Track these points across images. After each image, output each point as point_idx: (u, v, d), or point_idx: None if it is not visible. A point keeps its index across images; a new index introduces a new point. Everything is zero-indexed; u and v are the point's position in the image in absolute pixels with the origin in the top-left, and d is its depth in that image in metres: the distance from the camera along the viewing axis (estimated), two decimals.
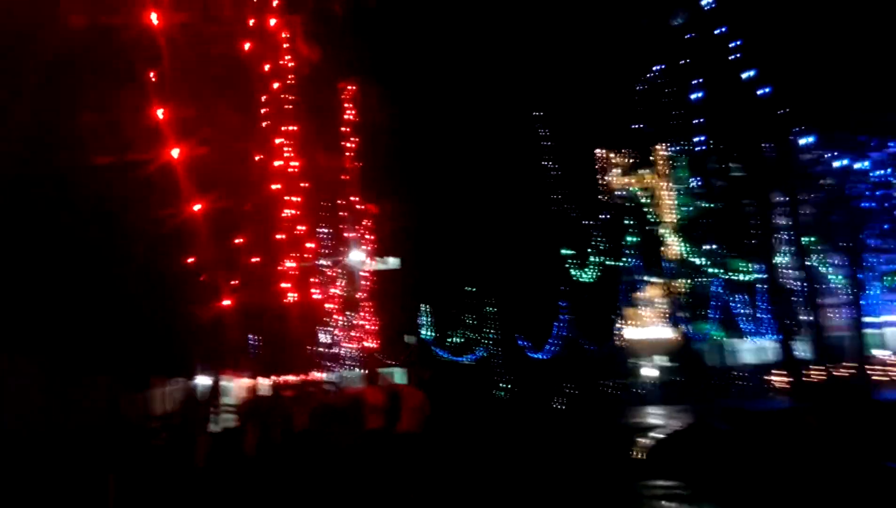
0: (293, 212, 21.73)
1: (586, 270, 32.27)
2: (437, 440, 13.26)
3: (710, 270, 32.37)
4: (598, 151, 39.94)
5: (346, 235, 24.80)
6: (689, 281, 33.87)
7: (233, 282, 21.54)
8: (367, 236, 25.34)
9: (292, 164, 19.91)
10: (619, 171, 37.61)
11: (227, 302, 19.90)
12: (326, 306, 25.32)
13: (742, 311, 32.96)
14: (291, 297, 23.65)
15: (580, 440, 16.22)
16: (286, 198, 18.08)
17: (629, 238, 33.30)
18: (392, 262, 40.04)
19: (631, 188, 36.43)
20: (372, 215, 24.84)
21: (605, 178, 38.14)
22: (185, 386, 18.38)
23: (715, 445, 15.02)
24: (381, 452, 10.86)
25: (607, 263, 32.82)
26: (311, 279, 26.19)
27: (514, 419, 21.31)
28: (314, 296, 24.90)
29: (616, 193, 36.44)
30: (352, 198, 24.06)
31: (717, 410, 19.17)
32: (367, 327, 30.58)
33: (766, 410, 18.63)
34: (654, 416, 21.98)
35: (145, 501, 10.18)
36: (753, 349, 38.57)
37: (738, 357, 40.23)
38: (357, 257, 26.00)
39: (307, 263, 24.87)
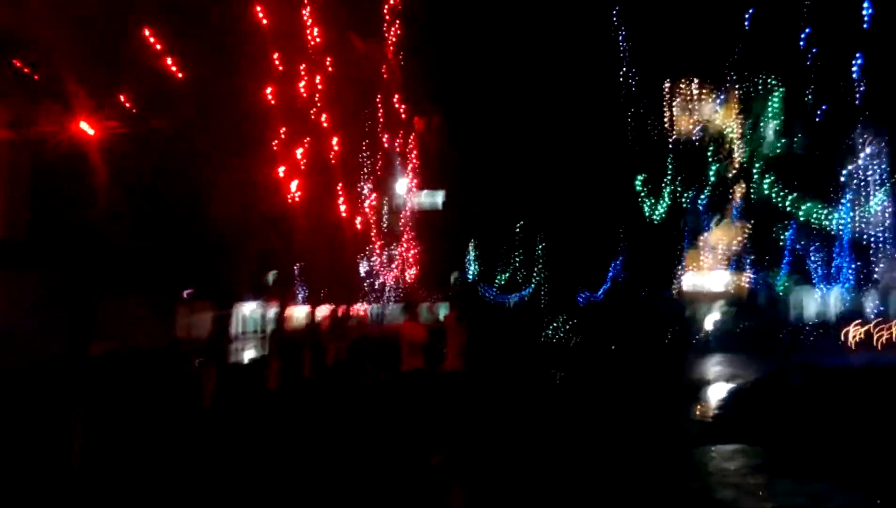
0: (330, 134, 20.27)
1: (652, 207, 30.01)
2: (483, 381, 11.90)
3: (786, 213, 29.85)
4: (669, 81, 37.08)
5: (391, 158, 23.16)
6: (759, 225, 31.41)
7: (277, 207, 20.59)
8: (413, 161, 23.58)
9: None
10: (692, 102, 34.81)
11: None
12: (370, 233, 24.04)
13: (816, 260, 30.50)
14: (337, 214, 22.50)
15: (636, 393, 14.63)
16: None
17: (702, 174, 30.89)
18: (439, 196, 38.50)
19: (703, 123, 33.72)
20: (419, 135, 22.98)
21: (676, 109, 35.38)
22: (217, 313, 18.02)
23: (790, 405, 13.34)
24: (418, 394, 9.57)
25: (669, 202, 30.46)
26: (356, 204, 24.90)
27: (564, 365, 19.84)
28: (357, 220, 23.63)
29: (686, 126, 33.80)
30: (399, 111, 22.29)
31: (789, 365, 17.42)
32: (411, 258, 29.28)
33: (845, 368, 16.81)
34: (717, 367, 20.28)
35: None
36: (821, 301, 36.20)
37: (806, 309, 37.94)
38: (403, 183, 24.47)
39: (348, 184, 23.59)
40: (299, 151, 16.41)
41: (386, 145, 20.91)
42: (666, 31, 31.58)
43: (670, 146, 32.00)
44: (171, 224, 17.01)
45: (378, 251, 26.60)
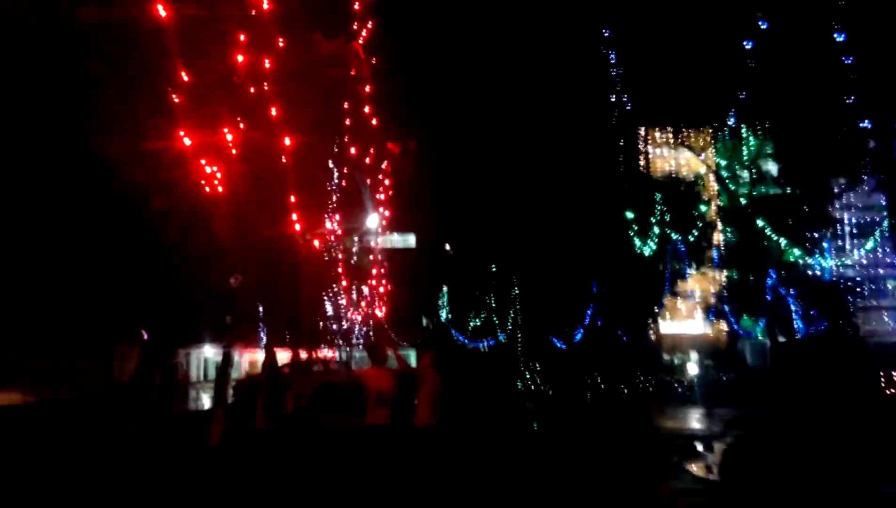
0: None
1: (633, 249, 29.13)
2: (458, 440, 10.51)
3: (764, 262, 29.17)
4: (643, 128, 36.90)
5: (361, 182, 21.85)
6: (738, 273, 30.72)
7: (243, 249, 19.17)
8: (384, 189, 22.22)
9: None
10: (669, 150, 34.54)
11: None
12: (337, 269, 22.65)
13: (795, 309, 29.80)
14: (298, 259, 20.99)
15: (614, 450, 13.28)
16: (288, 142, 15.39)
17: (675, 222, 30.20)
18: (411, 240, 37.41)
19: (681, 170, 33.33)
20: (391, 160, 21.71)
21: (651, 157, 35.10)
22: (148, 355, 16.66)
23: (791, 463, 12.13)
24: (382, 456, 8.19)
25: (647, 248, 29.63)
26: (323, 246, 23.57)
27: (538, 416, 18.49)
28: (327, 264, 22.29)
29: (663, 173, 33.38)
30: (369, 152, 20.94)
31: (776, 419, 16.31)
32: (380, 300, 27.85)
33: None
34: (699, 420, 19.11)
35: None
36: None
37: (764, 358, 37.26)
38: (373, 218, 23.28)
39: (318, 230, 22.24)
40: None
41: (355, 163, 19.55)
42: (644, 76, 31.32)
43: (649, 190, 31.43)
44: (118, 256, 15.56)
45: (345, 291, 25.18)
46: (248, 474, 9.56)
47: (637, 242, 28.71)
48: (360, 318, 28.61)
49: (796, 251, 27.79)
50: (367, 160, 18.99)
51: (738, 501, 9.19)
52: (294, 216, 15.94)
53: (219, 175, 13.32)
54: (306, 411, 14.80)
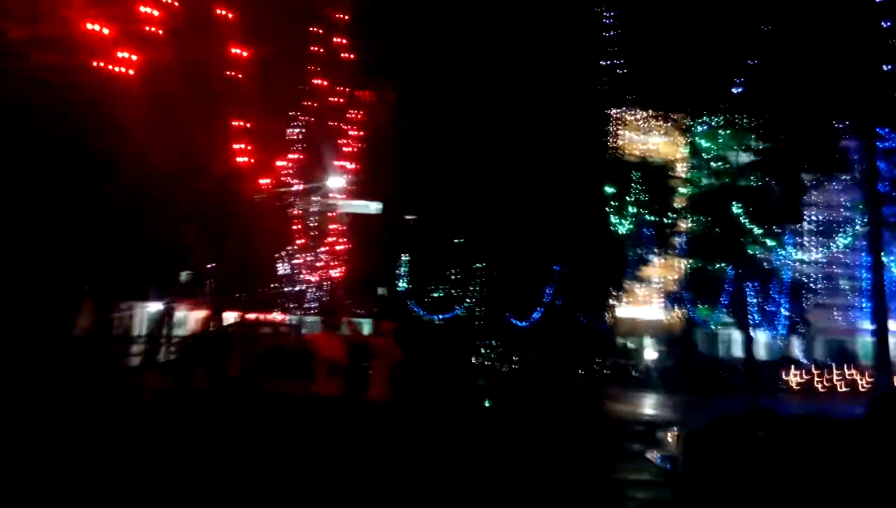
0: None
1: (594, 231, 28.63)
2: (411, 417, 9.78)
3: (727, 253, 29.04)
4: (615, 109, 36.31)
5: (327, 148, 20.62)
6: (700, 262, 30.56)
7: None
8: (350, 157, 20.96)
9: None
10: (640, 133, 34.06)
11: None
12: (296, 237, 21.53)
13: (755, 301, 29.91)
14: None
15: (571, 434, 12.76)
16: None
17: (643, 205, 29.82)
18: (374, 207, 36.31)
19: (651, 155, 32.85)
20: (361, 109, 20.36)
21: (624, 139, 34.54)
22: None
23: (754, 457, 11.85)
24: (334, 426, 7.45)
25: (622, 226, 29.19)
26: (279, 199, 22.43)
27: (490, 393, 17.95)
28: (282, 220, 21.18)
29: (634, 156, 32.87)
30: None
31: (741, 410, 16.12)
32: (337, 265, 26.82)
33: (813, 417, 15.61)
34: (656, 407, 18.86)
35: None
36: (753, 342, 35.83)
37: (738, 348, 37.57)
38: (336, 183, 22.19)
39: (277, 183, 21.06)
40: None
41: (321, 101, 18.07)
42: (621, 53, 30.64)
43: (620, 171, 30.93)
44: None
45: (300, 252, 24.12)
46: (179, 438, 8.73)
47: (613, 219, 28.26)
48: (314, 281, 27.61)
49: (762, 243, 27.68)
50: (338, 99, 17.56)
51: (705, 494, 8.77)
52: (245, 148, 14.48)
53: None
54: (253, 374, 13.97)
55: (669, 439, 12.43)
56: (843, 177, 29.10)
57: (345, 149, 19.65)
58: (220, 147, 13.90)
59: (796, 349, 35.83)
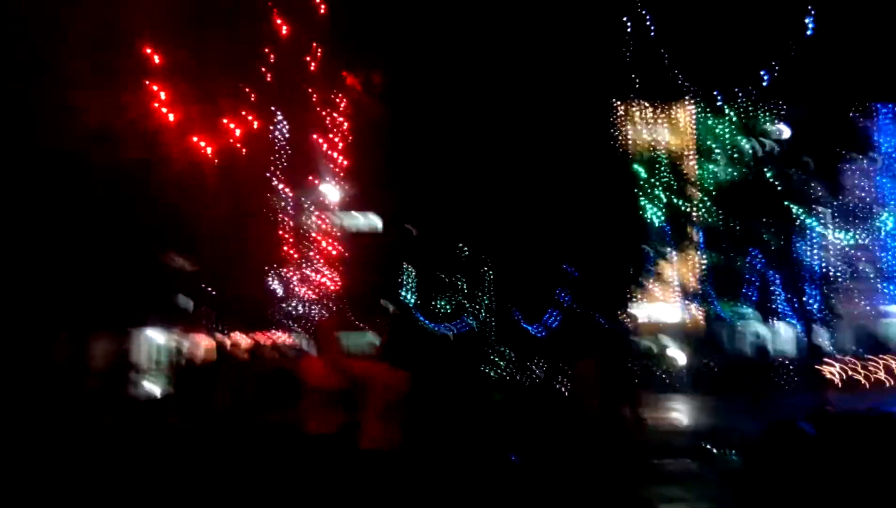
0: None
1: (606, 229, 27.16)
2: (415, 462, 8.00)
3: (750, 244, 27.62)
4: (621, 102, 34.96)
5: (318, 166, 19.28)
6: (721, 255, 29.10)
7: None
8: (341, 152, 19.42)
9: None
10: (649, 126, 32.61)
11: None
12: (290, 251, 20.14)
13: (780, 293, 28.36)
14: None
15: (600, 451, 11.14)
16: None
17: (653, 200, 28.41)
18: (372, 219, 35.02)
19: (660, 148, 31.47)
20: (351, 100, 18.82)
21: (632, 130, 33.14)
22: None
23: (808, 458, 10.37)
24: (324, 477, 5.99)
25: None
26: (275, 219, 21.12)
27: (508, 409, 16.30)
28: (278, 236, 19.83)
29: (644, 147, 31.50)
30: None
31: (793, 412, 14.63)
32: (336, 279, 25.37)
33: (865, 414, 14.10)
34: (692, 413, 17.31)
35: None
36: (781, 336, 34.31)
37: (767, 344, 35.97)
38: (330, 192, 20.81)
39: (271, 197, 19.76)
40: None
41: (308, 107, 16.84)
42: (622, 49, 29.37)
43: (630, 166, 29.55)
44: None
45: (296, 268, 22.72)
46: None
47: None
48: (314, 298, 26.17)
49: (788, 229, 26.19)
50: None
51: None
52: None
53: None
54: (248, 406, 12.51)
55: (722, 454, 10.93)
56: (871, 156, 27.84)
57: (332, 139, 18.24)
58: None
59: (826, 339, 34.23)
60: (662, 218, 28.97)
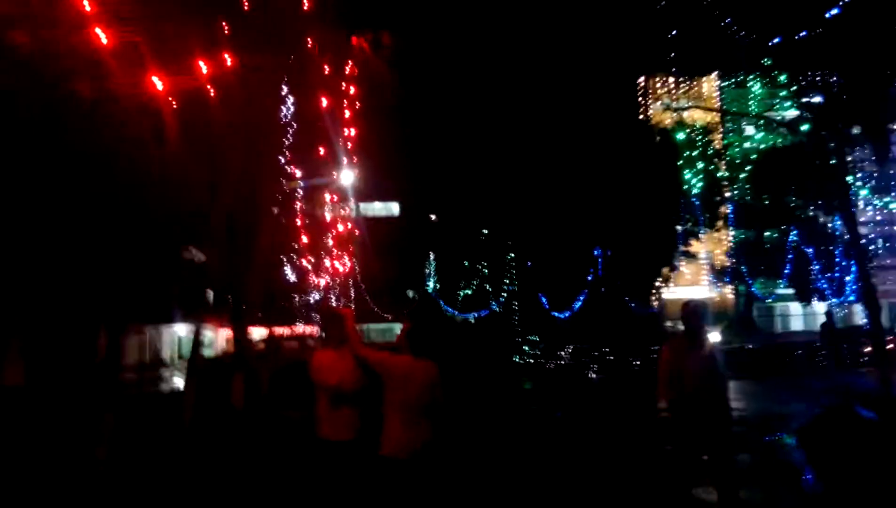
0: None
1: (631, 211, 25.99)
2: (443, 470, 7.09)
3: (781, 219, 26.34)
4: (644, 76, 33.78)
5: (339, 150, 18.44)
6: (754, 232, 27.89)
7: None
8: (350, 122, 18.49)
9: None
10: (674, 99, 31.42)
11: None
12: (307, 238, 19.38)
13: (815, 269, 27.09)
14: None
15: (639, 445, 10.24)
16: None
17: (684, 177, 27.20)
18: (394, 208, 34.26)
19: (687, 121, 30.22)
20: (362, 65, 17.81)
21: (657, 105, 31.97)
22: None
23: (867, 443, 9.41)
24: (340, 491, 5.19)
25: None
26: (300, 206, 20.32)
27: (539, 399, 15.51)
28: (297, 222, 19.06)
29: (670, 122, 30.29)
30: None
31: (849, 393, 13.66)
32: (353, 267, 24.61)
33: None
34: (737, 399, 16.22)
35: None
36: (807, 315, 33.16)
37: (793, 324, 34.88)
38: (348, 178, 20.04)
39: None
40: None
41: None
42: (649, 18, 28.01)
43: (662, 140, 28.29)
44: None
45: (316, 257, 21.97)
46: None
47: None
48: (335, 287, 25.45)
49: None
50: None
51: None
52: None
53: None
54: (265, 403, 11.82)
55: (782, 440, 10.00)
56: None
57: (344, 112, 17.36)
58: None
59: (862, 317, 32.90)
60: (695, 195, 27.78)
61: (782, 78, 28.17)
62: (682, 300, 23.32)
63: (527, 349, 23.76)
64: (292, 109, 14.10)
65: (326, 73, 14.81)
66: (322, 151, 16.33)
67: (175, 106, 10.99)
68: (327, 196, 20.32)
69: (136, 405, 12.01)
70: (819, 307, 31.70)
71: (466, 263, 32.41)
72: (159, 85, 9.70)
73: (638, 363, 21.40)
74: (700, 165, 28.28)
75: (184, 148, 12.55)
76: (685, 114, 34.01)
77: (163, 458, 8.15)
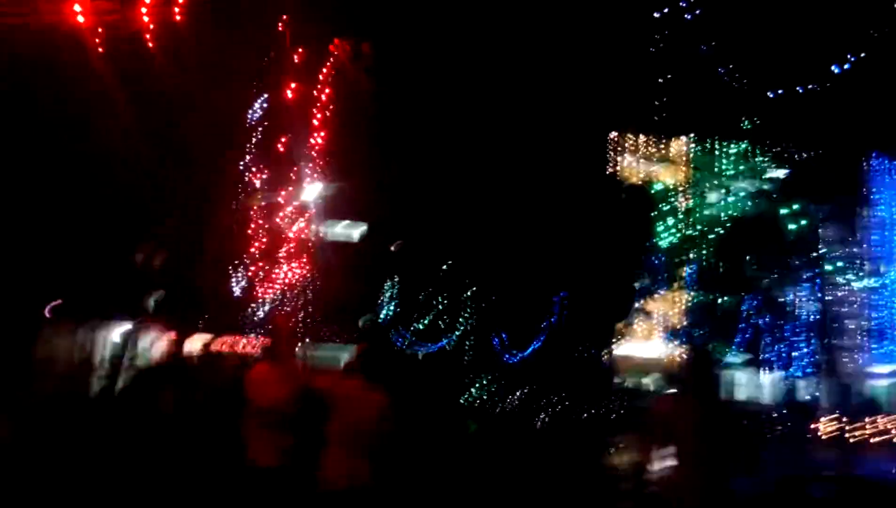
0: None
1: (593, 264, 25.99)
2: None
3: (740, 286, 26.64)
4: (614, 134, 34.14)
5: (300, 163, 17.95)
6: (711, 295, 28.12)
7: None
8: (320, 127, 18.03)
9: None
10: (643, 159, 31.79)
11: None
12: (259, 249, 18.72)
13: (771, 339, 27.38)
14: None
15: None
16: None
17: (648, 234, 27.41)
18: (357, 231, 33.65)
19: (655, 180, 30.59)
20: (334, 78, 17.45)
21: (623, 165, 32.27)
22: None
23: None
24: None
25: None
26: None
27: (483, 442, 14.96)
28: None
29: (636, 183, 30.60)
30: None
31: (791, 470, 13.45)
32: (305, 283, 23.91)
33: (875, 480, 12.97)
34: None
35: None
36: (754, 384, 33.38)
37: (739, 392, 35.07)
38: (313, 192, 19.51)
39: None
40: None
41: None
42: (613, 82, 28.43)
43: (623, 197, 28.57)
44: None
45: (271, 268, 21.31)
46: None
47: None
48: (288, 303, 24.64)
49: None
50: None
51: None
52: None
53: None
54: (195, 414, 11.08)
55: None
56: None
57: (315, 118, 16.96)
58: None
59: (808, 393, 33.35)
60: (657, 253, 27.97)
61: (749, 148, 28.98)
62: (633, 356, 23.13)
63: (475, 390, 23.25)
64: (259, 110, 13.70)
65: (298, 65, 14.37)
66: (284, 151, 15.87)
67: (105, 45, 10.27)
68: (289, 208, 19.78)
69: (48, 407, 11.13)
70: (765, 379, 32.02)
71: (424, 294, 31.88)
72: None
73: (590, 412, 21.13)
74: (663, 225, 28.58)
75: (129, 114, 11.86)
76: (653, 172, 34.54)
77: (57, 468, 7.38)
